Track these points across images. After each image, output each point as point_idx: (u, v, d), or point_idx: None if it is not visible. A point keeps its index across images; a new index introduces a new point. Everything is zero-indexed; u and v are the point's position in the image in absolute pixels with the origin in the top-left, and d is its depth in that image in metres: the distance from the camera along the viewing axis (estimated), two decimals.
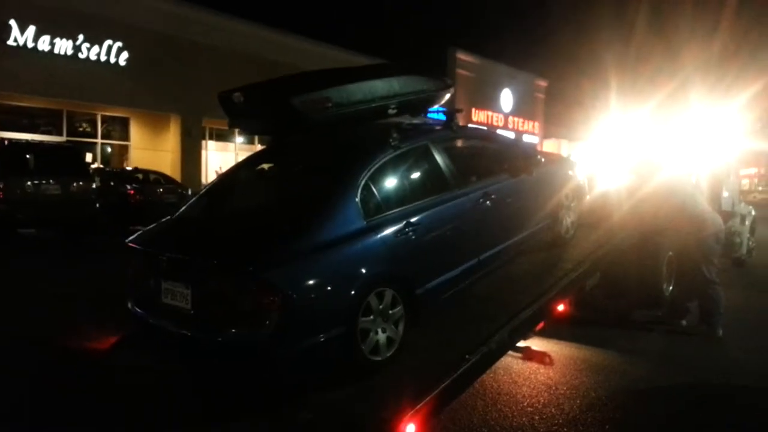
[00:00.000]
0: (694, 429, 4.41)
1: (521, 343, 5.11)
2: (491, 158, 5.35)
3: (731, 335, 6.53)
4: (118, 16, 18.24)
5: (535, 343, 5.55)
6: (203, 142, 22.02)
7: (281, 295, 3.31)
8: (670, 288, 7.49)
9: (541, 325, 4.73)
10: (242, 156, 23.95)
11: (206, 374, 3.88)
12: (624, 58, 26.16)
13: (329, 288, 3.54)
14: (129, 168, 18.14)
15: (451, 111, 5.06)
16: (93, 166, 17.26)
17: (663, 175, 6.97)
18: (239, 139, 24.14)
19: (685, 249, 6.92)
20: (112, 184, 15.16)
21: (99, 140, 20.01)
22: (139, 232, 4.33)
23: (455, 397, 3.79)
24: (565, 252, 5.65)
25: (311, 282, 3.48)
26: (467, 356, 3.77)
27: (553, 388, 4.96)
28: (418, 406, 3.29)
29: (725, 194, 10.08)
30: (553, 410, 4.52)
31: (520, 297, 4.62)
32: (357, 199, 3.83)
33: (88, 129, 19.85)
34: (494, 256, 4.78)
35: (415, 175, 4.48)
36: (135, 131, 20.80)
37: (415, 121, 5.12)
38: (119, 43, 18.29)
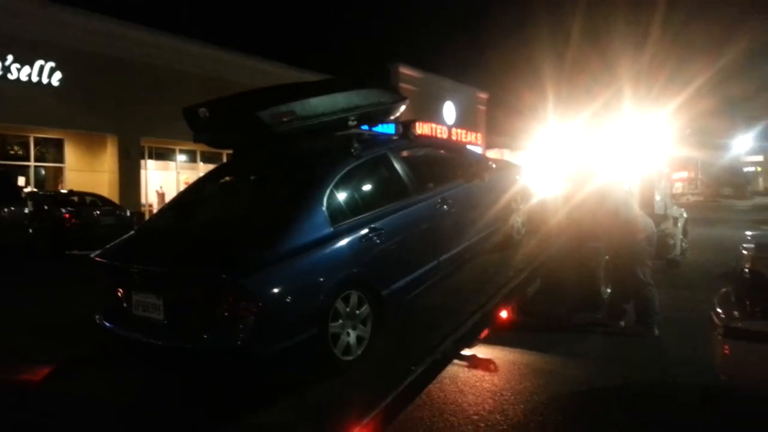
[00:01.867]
0: (632, 428, 4.56)
1: (467, 351, 5.18)
2: (446, 165, 5.60)
3: (667, 334, 6.81)
4: (50, 37, 17.69)
5: (480, 351, 5.63)
6: (142, 162, 21.48)
7: (256, 300, 3.41)
8: (608, 290, 7.76)
9: (485, 332, 4.83)
10: (184, 175, 23.54)
11: (181, 382, 3.91)
12: (560, 69, 27.09)
13: (301, 292, 3.67)
14: (64, 191, 17.52)
15: (407, 121, 5.31)
16: (26, 189, 16.59)
17: (596, 182, 7.23)
18: (181, 158, 23.67)
19: (620, 252, 7.18)
20: (46, 207, 14.58)
21: (32, 163, 19.24)
22: (106, 247, 4.39)
23: (402, 410, 3.81)
24: (507, 259, 5.79)
25: (284, 287, 3.59)
26: (413, 367, 3.81)
27: (498, 394, 5.05)
28: (365, 421, 3.30)
29: (657, 198, 10.48)
30: (497, 416, 4.61)
31: (464, 305, 4.71)
32: (323, 207, 3.99)
33: (20, 152, 19.09)
34: (453, 258, 5.00)
35: (377, 182, 4.67)
36: (70, 153, 20.11)
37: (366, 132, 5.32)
38: (52, 63, 17.72)
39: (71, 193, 16.45)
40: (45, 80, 17.67)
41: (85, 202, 15.98)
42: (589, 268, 7.59)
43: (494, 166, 6.02)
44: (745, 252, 5.38)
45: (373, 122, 5.39)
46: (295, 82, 5.88)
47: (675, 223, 11.33)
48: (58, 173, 20.18)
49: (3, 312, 6.27)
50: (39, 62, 17.46)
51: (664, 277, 9.42)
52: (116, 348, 4.18)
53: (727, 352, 4.11)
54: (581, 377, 5.49)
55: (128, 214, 16.35)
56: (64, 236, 14.09)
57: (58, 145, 19.93)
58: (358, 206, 4.29)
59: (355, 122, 4.95)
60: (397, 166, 4.78)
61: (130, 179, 20.49)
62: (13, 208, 12.01)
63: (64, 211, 14.68)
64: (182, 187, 23.10)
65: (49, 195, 16.30)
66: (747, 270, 4.31)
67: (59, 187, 19.18)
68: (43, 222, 13.66)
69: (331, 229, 3.95)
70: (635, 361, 6.06)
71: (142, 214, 19.86)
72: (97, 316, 4.05)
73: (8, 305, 6.62)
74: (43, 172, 20.05)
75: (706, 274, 10.33)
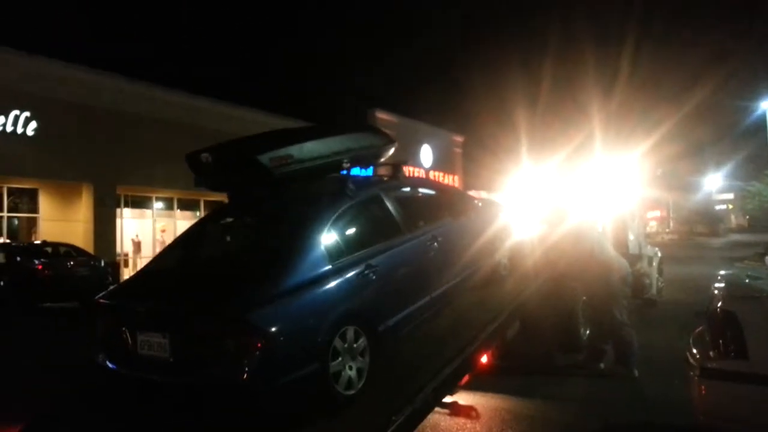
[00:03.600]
0: None
1: (448, 399, 5.13)
2: (435, 204, 5.84)
3: (646, 375, 6.82)
4: (25, 86, 17.69)
5: (461, 398, 5.58)
6: (118, 210, 21.27)
7: (261, 335, 3.55)
8: (587, 332, 7.77)
9: (466, 378, 4.81)
10: (160, 223, 23.34)
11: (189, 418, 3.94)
12: (534, 113, 27.77)
13: (303, 326, 3.82)
14: (37, 241, 17.23)
15: (396, 163, 5.64)
16: None
17: (570, 224, 7.33)
18: (157, 205, 23.51)
19: (596, 292, 7.22)
20: (18, 259, 14.31)
21: (5, 213, 18.96)
22: (109, 289, 4.66)
23: None
24: (485, 301, 5.81)
25: (287, 321, 3.73)
26: (393, 417, 3.79)
27: None
28: None
29: (631, 237, 10.63)
30: None
31: (443, 351, 4.70)
32: (322, 245, 4.17)
33: None
34: (443, 294, 5.17)
35: (370, 221, 4.88)
36: (44, 202, 19.86)
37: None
38: (27, 113, 17.67)
39: (44, 243, 16.17)
40: (20, 130, 17.58)
41: (59, 252, 15.69)
42: (567, 309, 7.62)
43: (480, 204, 6.35)
44: (716, 291, 5.45)
45: (364, 164, 5.66)
46: (291, 128, 6.17)
47: (650, 263, 11.47)
48: (32, 223, 19.87)
49: None
50: (14, 112, 17.40)
51: (640, 316, 9.47)
52: (119, 388, 4.26)
53: (703, 392, 4.11)
54: (562, 421, 5.47)
55: (103, 264, 16.06)
56: (38, 287, 13.78)
57: (33, 195, 19.69)
58: (354, 244, 4.47)
59: (349, 164, 5.15)
60: (390, 205, 5.00)
61: (105, 228, 20.23)
62: None
63: (37, 262, 14.38)
64: (159, 236, 22.93)
65: (22, 246, 16.01)
66: (719, 309, 4.35)
67: (33, 238, 18.87)
68: (15, 274, 13.39)
69: (330, 266, 4.11)
70: (615, 403, 6.06)
71: (117, 264, 19.57)
72: (99, 357, 4.14)
73: None
74: (16, 222, 19.75)
75: (683, 313, 10.41)
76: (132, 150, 19.93)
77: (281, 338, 3.64)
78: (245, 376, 3.51)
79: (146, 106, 21.04)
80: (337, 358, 3.92)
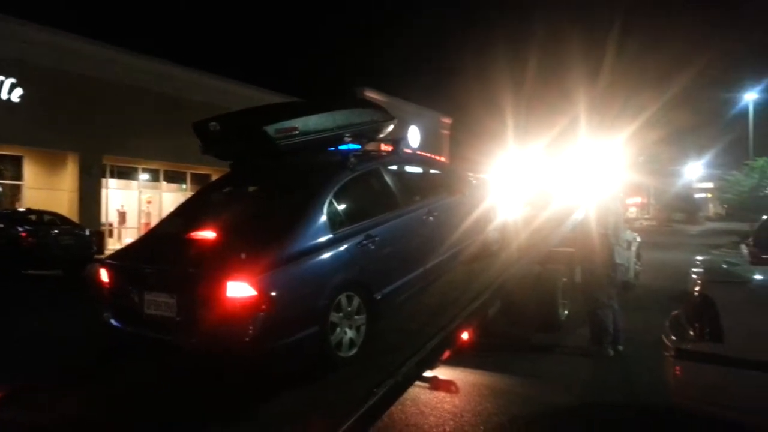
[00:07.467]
0: None
1: (428, 373, 5.25)
2: (432, 180, 6.06)
3: (623, 355, 6.98)
4: (11, 53, 17.39)
5: (441, 373, 5.70)
6: (104, 180, 21.11)
7: (265, 299, 3.69)
8: (565, 312, 7.97)
9: (447, 354, 4.93)
10: (146, 194, 23.19)
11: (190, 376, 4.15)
12: (520, 97, 27.79)
13: (304, 291, 4.01)
14: (21, 209, 17.08)
15: (397, 139, 5.87)
16: None
17: (599, 201, 7.39)
18: (143, 176, 23.35)
19: (590, 274, 7.29)
20: (2, 226, 14.20)
21: None
22: (116, 251, 4.81)
23: None
24: (469, 280, 5.91)
25: (290, 286, 3.91)
26: (375, 389, 3.89)
27: (459, 415, 5.13)
28: None
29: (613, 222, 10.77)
30: None
31: (426, 327, 4.81)
32: (324, 214, 4.33)
33: None
34: (437, 266, 5.37)
35: (370, 194, 5.07)
36: (29, 170, 19.65)
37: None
38: (12, 80, 17.41)
39: (29, 211, 16.05)
40: (5, 96, 17.34)
41: (43, 220, 15.58)
42: (548, 289, 7.79)
43: (474, 182, 6.55)
44: (694, 276, 5.59)
45: (365, 139, 5.75)
46: (297, 101, 6.30)
47: (629, 247, 11.67)
48: (16, 191, 19.69)
49: None
50: None
51: (619, 299, 9.65)
52: (125, 344, 4.44)
53: (678, 373, 4.20)
54: (540, 398, 5.61)
55: (87, 233, 15.98)
56: (21, 255, 13.72)
57: (17, 162, 19.48)
58: (354, 215, 4.64)
59: (351, 139, 5.29)
60: (388, 179, 5.18)
61: (90, 198, 20.10)
62: None
63: (21, 229, 14.29)
64: (144, 207, 22.81)
65: (6, 213, 15.87)
66: (696, 293, 4.46)
67: (16, 206, 18.70)
68: None
69: (332, 234, 4.28)
70: (592, 382, 6.22)
71: (102, 234, 19.47)
72: (105, 315, 4.32)
73: None
74: (0, 189, 19.54)
75: (660, 297, 10.65)
76: (119, 121, 19.74)
77: (283, 302, 3.81)
78: (248, 338, 3.67)
79: (135, 77, 20.81)
80: (336, 320, 4.13)
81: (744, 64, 54.72)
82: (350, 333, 4.28)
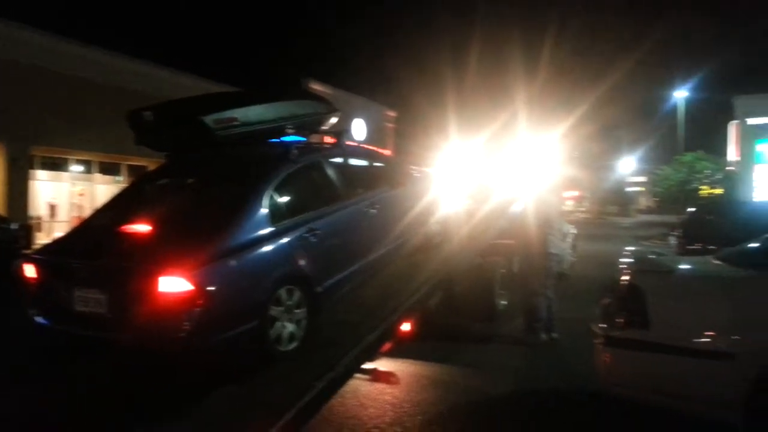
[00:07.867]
0: None
1: (368, 365, 5.27)
2: (375, 173, 6.01)
3: (557, 343, 7.22)
4: None
5: (382, 364, 5.73)
6: (32, 172, 20.13)
7: (201, 293, 3.59)
8: (504, 302, 8.17)
9: (387, 345, 4.96)
10: (78, 187, 22.27)
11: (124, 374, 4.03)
12: (462, 92, 28.17)
13: (243, 285, 3.93)
14: None
15: (340, 131, 5.79)
16: None
17: (537, 191, 7.60)
18: (76, 168, 22.40)
19: (527, 264, 7.51)
20: None
21: None
22: (44, 245, 4.60)
23: (303, 425, 3.83)
24: (410, 273, 5.95)
25: (227, 281, 3.82)
26: (315, 383, 3.87)
27: (398, 406, 5.18)
28: None
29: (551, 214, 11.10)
30: (396, 429, 4.74)
31: (366, 320, 4.82)
32: (265, 206, 4.23)
33: None
34: (379, 258, 5.36)
35: (312, 186, 4.99)
36: None
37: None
38: None
39: None
40: None
41: None
42: (486, 280, 7.97)
43: (417, 175, 6.59)
44: (623, 266, 5.81)
45: (307, 131, 5.67)
46: (237, 91, 6.13)
47: (564, 239, 12.04)
48: None
49: None
50: None
51: (553, 289, 9.92)
52: (52, 343, 4.32)
53: (608, 360, 4.36)
54: (477, 387, 5.73)
55: (14, 227, 15.23)
56: None
57: None
58: (295, 208, 4.57)
59: (293, 130, 5.19)
60: (331, 172, 5.13)
61: (17, 190, 19.13)
62: None
63: None
64: (76, 200, 21.89)
65: None
66: (625, 283, 4.62)
67: None
68: None
69: (272, 227, 4.20)
70: (527, 370, 6.41)
71: (30, 227, 18.58)
72: (30, 312, 4.12)
73: None
74: None
75: (592, 287, 11.00)
76: (48, 110, 18.83)
77: (221, 297, 3.72)
78: (183, 334, 3.58)
79: (65, 63, 19.86)
80: (276, 314, 4.07)
81: (675, 62, 57.23)
82: (290, 327, 4.22)
